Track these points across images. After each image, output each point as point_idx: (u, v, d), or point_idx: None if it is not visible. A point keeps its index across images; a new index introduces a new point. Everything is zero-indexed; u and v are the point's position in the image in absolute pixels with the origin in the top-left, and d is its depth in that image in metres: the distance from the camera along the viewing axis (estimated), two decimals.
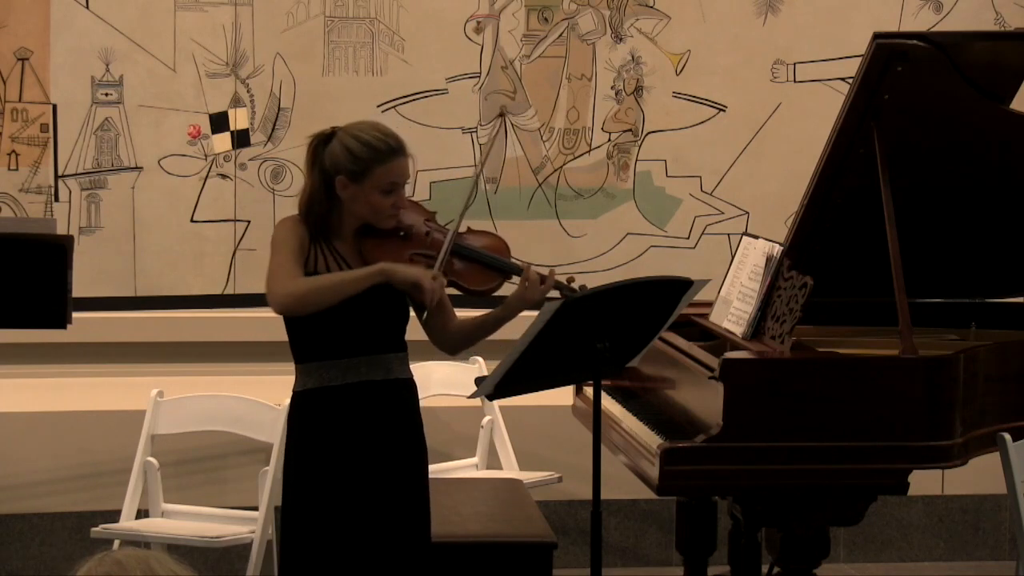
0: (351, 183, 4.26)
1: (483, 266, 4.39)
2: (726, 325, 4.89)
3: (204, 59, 6.54)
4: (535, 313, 4.13)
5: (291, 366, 4.36)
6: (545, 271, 4.40)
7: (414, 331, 4.41)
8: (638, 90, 6.79)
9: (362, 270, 4.22)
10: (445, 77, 6.69)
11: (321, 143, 4.32)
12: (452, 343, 4.47)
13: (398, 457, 4.33)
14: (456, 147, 6.70)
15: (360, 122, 4.39)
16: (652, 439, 4.57)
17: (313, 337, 4.29)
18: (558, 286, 4.37)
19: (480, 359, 6.05)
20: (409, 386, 4.39)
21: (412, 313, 4.39)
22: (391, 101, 6.66)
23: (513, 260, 4.44)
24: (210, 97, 6.56)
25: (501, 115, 4.46)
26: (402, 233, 4.35)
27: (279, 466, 4.69)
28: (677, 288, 4.29)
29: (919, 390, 4.43)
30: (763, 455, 4.37)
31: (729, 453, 4.36)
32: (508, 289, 4.42)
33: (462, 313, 4.48)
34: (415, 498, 4.36)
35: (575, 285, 4.40)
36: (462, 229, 4.40)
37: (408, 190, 6.55)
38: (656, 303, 4.30)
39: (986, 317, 5.29)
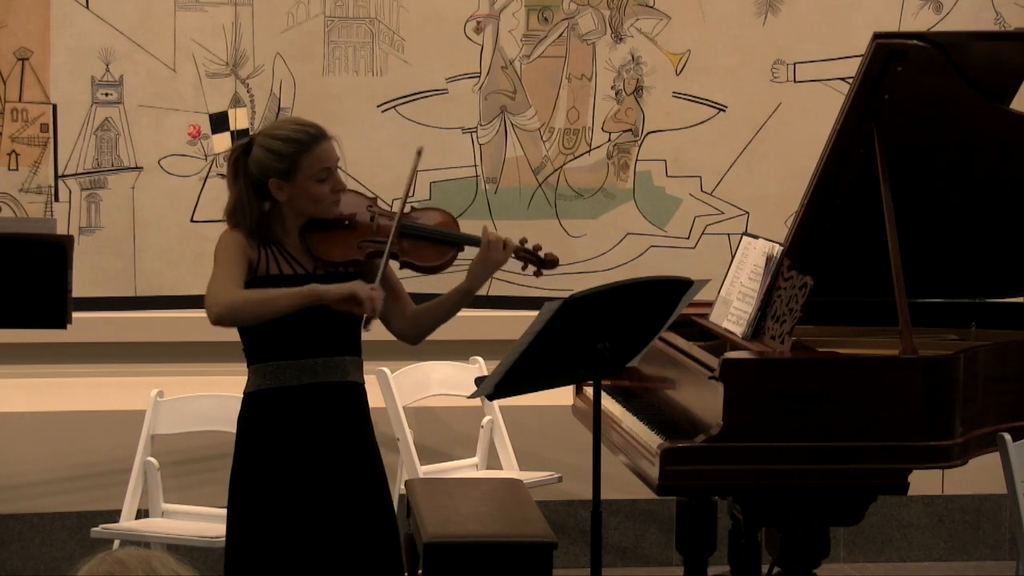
0: (284, 182, 4.23)
1: (433, 241, 4.36)
2: (726, 325, 4.89)
3: (204, 59, 6.54)
4: (534, 312, 4.13)
5: None
6: (511, 237, 4.37)
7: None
8: (638, 90, 6.78)
9: (294, 290, 4.16)
10: (445, 77, 6.68)
11: (242, 153, 4.28)
12: (414, 330, 4.42)
13: (354, 461, 4.31)
14: (456, 147, 6.70)
15: (274, 122, 4.40)
16: (652, 439, 4.57)
17: (268, 338, 4.25)
18: (522, 252, 4.36)
19: (480, 359, 6.05)
20: (362, 391, 4.37)
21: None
22: (391, 101, 6.66)
23: (462, 232, 4.42)
24: (210, 97, 6.56)
25: (419, 153, 4.45)
26: (347, 223, 4.32)
27: None
28: (677, 288, 4.29)
29: (919, 390, 4.43)
30: (763, 455, 4.37)
31: (729, 453, 4.36)
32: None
33: None
34: (376, 501, 4.34)
35: (542, 253, 4.39)
36: (406, 211, 4.36)
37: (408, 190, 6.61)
38: (656, 303, 4.30)
39: (986, 317, 5.29)
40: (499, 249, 4.32)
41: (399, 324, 4.40)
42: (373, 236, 4.31)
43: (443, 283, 4.52)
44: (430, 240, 4.35)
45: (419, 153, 4.41)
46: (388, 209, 4.40)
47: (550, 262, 4.41)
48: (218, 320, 4.18)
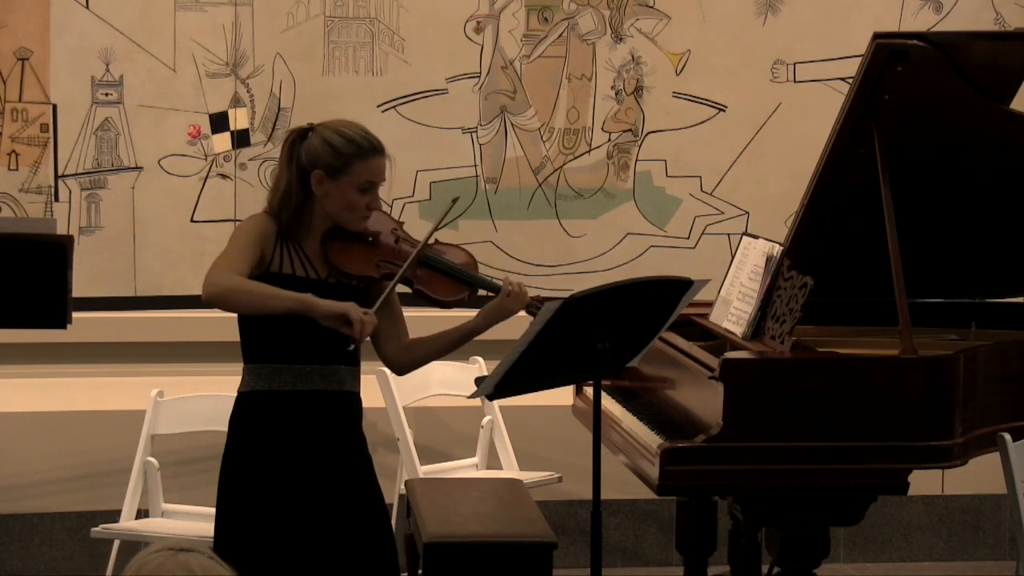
0: (328, 178, 4.23)
1: (450, 276, 4.35)
2: (726, 325, 4.89)
3: (204, 59, 6.54)
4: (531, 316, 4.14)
5: None
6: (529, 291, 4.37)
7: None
8: (638, 90, 6.78)
9: (288, 294, 4.13)
10: (445, 77, 6.68)
11: (298, 138, 4.28)
12: (404, 358, 4.39)
13: (345, 469, 4.29)
14: (456, 147, 6.70)
15: (340, 119, 4.34)
16: (652, 439, 4.57)
17: (266, 339, 4.24)
18: (534, 308, 4.32)
19: (480, 359, 6.05)
20: (357, 401, 4.36)
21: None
22: (391, 101, 6.66)
23: (484, 276, 4.42)
24: (210, 97, 6.56)
25: (454, 201, 4.46)
26: (370, 239, 4.31)
27: None
28: (677, 288, 4.29)
29: (919, 390, 4.43)
30: (763, 455, 4.37)
31: (729, 453, 4.36)
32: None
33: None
34: (369, 510, 4.33)
35: None
36: (430, 242, 4.36)
37: (407, 190, 6.60)
38: (656, 303, 4.30)
39: (986, 317, 5.29)
40: (516, 300, 4.31)
41: (391, 350, 4.37)
42: (392, 258, 4.31)
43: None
44: (447, 275, 4.35)
45: (454, 201, 4.43)
46: (412, 236, 4.39)
47: None
48: (209, 300, 4.15)
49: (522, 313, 4.32)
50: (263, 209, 4.32)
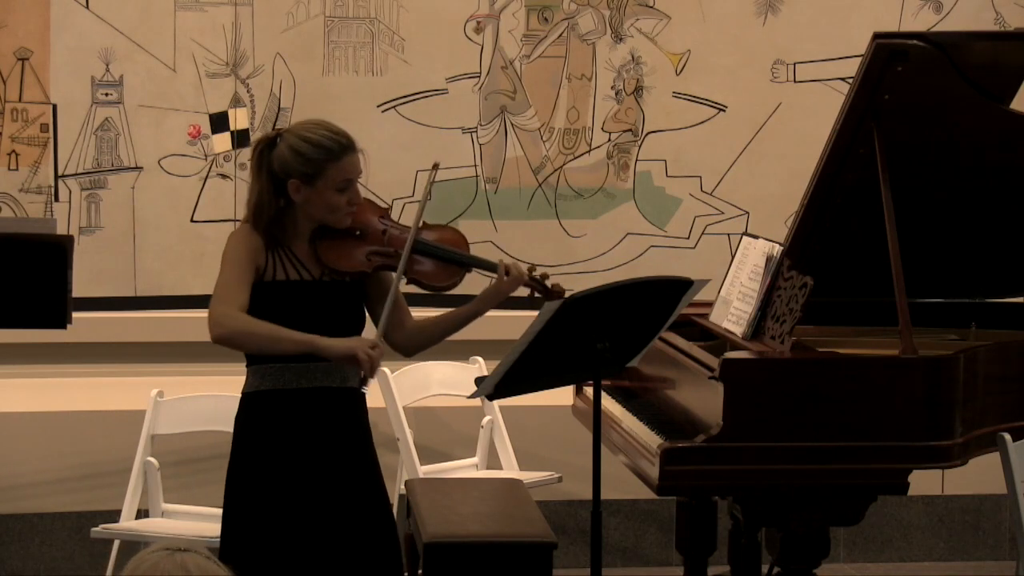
0: (304, 185, 4.24)
1: (444, 261, 4.36)
2: (726, 325, 4.89)
3: (204, 59, 6.54)
4: (534, 312, 4.13)
5: None
6: (523, 266, 4.40)
7: None
8: (638, 90, 6.78)
9: (297, 336, 4.18)
10: (445, 77, 6.68)
11: (267, 147, 4.28)
12: (410, 343, 4.44)
13: (351, 466, 4.32)
14: (456, 147, 6.69)
15: (306, 122, 4.35)
16: (652, 439, 4.57)
17: None
18: (531, 281, 4.36)
19: (480, 359, 6.05)
20: (361, 397, 4.38)
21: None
22: (391, 101, 6.66)
23: (475, 255, 4.43)
24: (210, 97, 6.56)
25: (435, 167, 4.48)
26: (358, 232, 4.32)
27: None
28: (677, 288, 4.29)
29: (919, 390, 4.43)
30: (763, 455, 4.37)
31: (729, 453, 4.36)
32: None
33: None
34: (374, 507, 4.35)
35: (549, 283, 4.40)
36: (419, 225, 4.36)
37: (407, 190, 6.60)
38: (656, 303, 4.30)
39: (986, 317, 5.29)
40: (514, 278, 4.33)
41: (397, 336, 4.41)
42: (382, 247, 4.31)
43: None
44: (441, 260, 4.35)
45: (435, 168, 4.44)
46: (399, 223, 4.40)
47: (556, 293, 4.41)
48: (218, 341, 4.20)
49: (522, 313, 4.33)
50: (243, 219, 4.33)
